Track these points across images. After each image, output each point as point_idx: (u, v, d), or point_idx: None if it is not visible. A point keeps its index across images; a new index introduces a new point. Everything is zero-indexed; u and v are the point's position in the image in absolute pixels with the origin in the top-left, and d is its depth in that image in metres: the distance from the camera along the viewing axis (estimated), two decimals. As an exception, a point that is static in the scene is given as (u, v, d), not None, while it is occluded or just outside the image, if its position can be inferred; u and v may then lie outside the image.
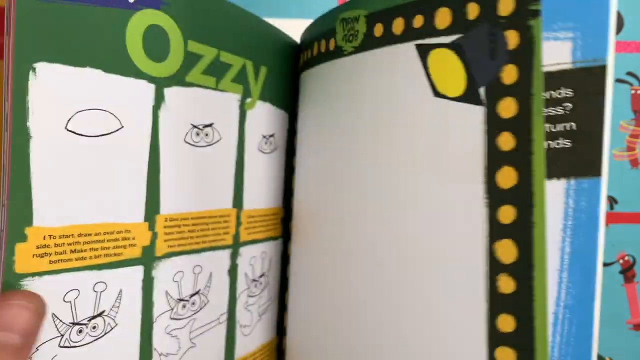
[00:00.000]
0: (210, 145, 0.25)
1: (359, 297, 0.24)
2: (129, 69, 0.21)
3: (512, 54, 0.19)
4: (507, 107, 0.19)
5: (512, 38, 0.19)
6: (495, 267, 0.20)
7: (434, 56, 0.21)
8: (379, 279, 0.23)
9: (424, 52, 0.22)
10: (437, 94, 0.21)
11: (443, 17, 0.21)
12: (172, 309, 0.24)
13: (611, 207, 0.40)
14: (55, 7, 0.18)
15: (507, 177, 0.19)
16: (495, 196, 0.20)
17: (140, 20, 0.21)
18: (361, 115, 0.25)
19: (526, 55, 0.19)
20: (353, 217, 0.25)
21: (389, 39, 0.23)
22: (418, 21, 0.22)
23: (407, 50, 0.22)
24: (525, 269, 0.19)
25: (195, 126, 0.24)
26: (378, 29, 0.24)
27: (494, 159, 0.20)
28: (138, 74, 0.21)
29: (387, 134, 0.23)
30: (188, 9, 0.23)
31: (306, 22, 0.40)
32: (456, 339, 0.21)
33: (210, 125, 0.25)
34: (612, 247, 0.40)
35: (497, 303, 0.19)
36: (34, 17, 0.18)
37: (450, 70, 0.21)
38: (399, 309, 0.23)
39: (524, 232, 0.19)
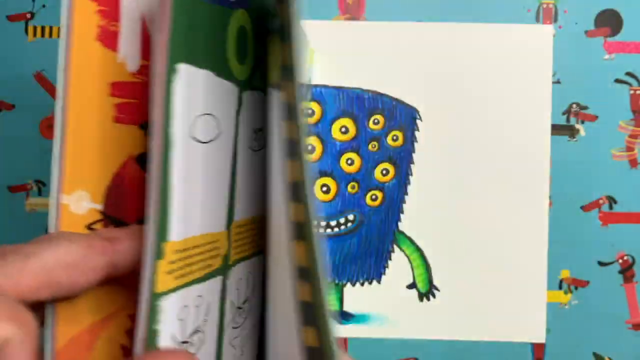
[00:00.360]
0: (261, 149, 0.24)
1: None
2: (227, 72, 0.20)
3: (284, 31, 0.17)
4: (284, 92, 0.18)
5: (282, 13, 0.17)
6: (295, 270, 0.17)
7: (271, 43, 0.20)
8: None
9: (269, 39, 0.21)
10: (270, 84, 0.20)
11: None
12: (232, 318, 0.23)
13: (610, 207, 0.40)
14: (197, 3, 0.17)
15: (292, 170, 0.17)
16: (288, 192, 0.18)
17: (236, 20, 0.20)
18: None
19: (286, 31, 0.17)
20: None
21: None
22: (268, 8, 0.20)
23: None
24: (312, 274, 0.16)
25: (255, 131, 0.23)
26: None
27: (287, 151, 0.18)
28: (232, 76, 0.20)
29: None
30: (257, 10, 0.22)
31: (306, 23, 0.40)
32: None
33: (261, 129, 0.24)
34: (611, 247, 0.40)
35: (300, 310, 0.17)
36: (184, 14, 0.16)
37: (274, 56, 0.20)
38: None
39: (306, 232, 0.16)
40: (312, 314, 0.16)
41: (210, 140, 0.19)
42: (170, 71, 0.16)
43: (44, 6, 0.40)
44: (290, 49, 0.17)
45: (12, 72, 0.41)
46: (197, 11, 0.17)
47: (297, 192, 0.17)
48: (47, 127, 0.41)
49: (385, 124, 0.40)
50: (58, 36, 0.40)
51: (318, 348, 0.16)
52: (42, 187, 0.40)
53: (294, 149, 0.17)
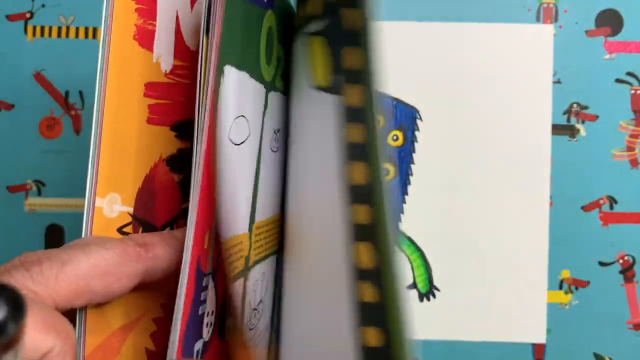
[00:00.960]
0: (279, 150, 0.24)
1: None
2: (258, 72, 0.19)
3: (351, 36, 0.17)
4: (349, 96, 0.18)
5: (350, 18, 0.17)
6: (356, 273, 0.17)
7: (311, 45, 0.20)
8: None
9: (306, 41, 0.20)
10: (315, 86, 0.20)
11: (313, 1, 0.19)
12: (249, 320, 0.22)
13: (611, 207, 0.40)
14: (241, 3, 0.17)
15: (358, 173, 0.17)
16: (350, 194, 0.18)
17: (267, 21, 0.20)
18: None
19: (360, 36, 0.17)
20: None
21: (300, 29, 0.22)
22: (304, 9, 0.20)
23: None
24: (379, 275, 0.16)
25: (275, 131, 0.23)
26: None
27: (346, 153, 0.18)
28: (261, 77, 0.20)
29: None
30: (283, 11, 0.22)
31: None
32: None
33: (279, 130, 0.24)
34: (611, 247, 0.40)
35: (361, 311, 0.17)
36: (233, 13, 0.16)
37: (319, 59, 0.19)
38: None
39: (377, 234, 0.17)
40: (376, 315, 0.16)
41: (242, 142, 0.19)
42: (220, 73, 0.16)
43: (43, 6, 0.40)
44: (363, 52, 0.17)
45: (12, 72, 0.40)
46: (241, 11, 0.17)
47: (363, 195, 0.17)
48: (46, 127, 0.40)
49: (385, 124, 0.40)
50: (57, 36, 0.40)
51: (381, 347, 0.16)
52: (42, 187, 0.40)
53: (360, 152, 0.17)
